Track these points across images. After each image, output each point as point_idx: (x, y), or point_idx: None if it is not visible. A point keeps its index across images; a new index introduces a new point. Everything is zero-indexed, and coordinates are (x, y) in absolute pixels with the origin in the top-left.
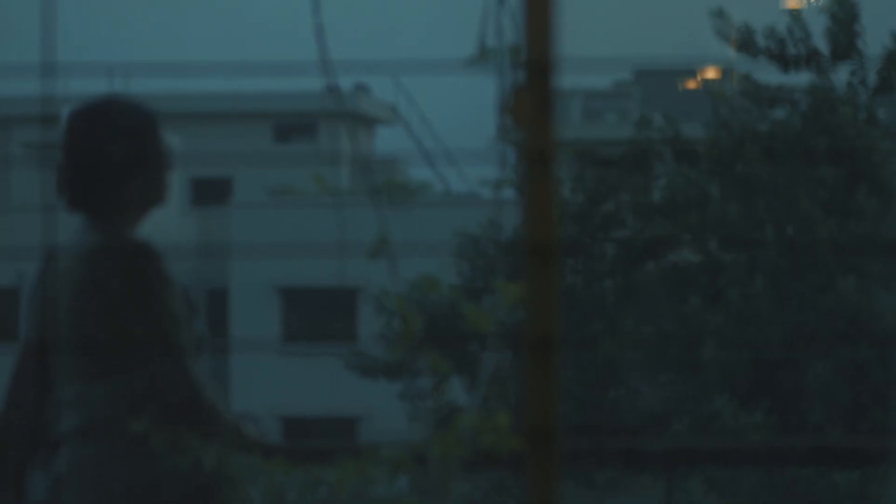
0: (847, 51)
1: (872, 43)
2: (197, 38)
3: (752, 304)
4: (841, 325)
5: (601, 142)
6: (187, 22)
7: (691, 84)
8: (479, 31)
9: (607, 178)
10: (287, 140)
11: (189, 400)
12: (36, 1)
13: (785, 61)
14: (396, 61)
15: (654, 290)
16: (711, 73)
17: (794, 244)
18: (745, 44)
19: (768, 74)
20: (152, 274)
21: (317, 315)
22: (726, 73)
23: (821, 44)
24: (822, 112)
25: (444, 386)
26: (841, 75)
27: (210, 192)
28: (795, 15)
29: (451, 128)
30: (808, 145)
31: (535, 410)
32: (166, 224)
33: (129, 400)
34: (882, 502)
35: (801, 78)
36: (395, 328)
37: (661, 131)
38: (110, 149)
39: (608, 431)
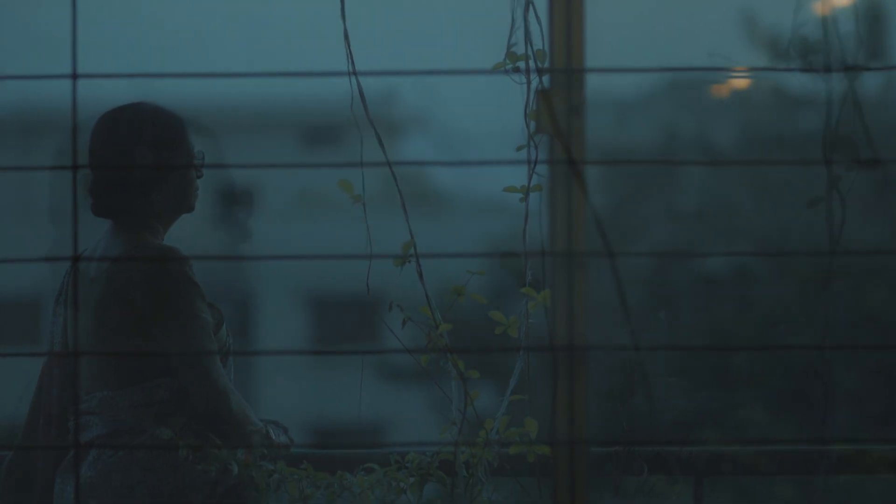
0: (879, 55)
1: None
2: (222, 43)
3: (781, 311)
4: (873, 332)
5: (630, 148)
6: (212, 26)
7: (721, 90)
8: (508, 37)
9: (636, 185)
10: (314, 147)
11: (216, 407)
12: (63, 8)
13: (815, 66)
14: (424, 66)
15: (682, 297)
16: (741, 80)
17: (823, 252)
18: (775, 50)
19: (798, 79)
20: (179, 279)
21: (344, 323)
22: (756, 79)
23: (852, 48)
24: (852, 117)
25: (471, 393)
26: (873, 80)
27: (236, 200)
28: (827, 19)
29: (480, 134)
30: (839, 151)
31: (562, 416)
32: (193, 231)
33: (155, 406)
34: None
35: (832, 82)
36: (422, 335)
37: (691, 138)
38: (137, 155)
39: (636, 439)
